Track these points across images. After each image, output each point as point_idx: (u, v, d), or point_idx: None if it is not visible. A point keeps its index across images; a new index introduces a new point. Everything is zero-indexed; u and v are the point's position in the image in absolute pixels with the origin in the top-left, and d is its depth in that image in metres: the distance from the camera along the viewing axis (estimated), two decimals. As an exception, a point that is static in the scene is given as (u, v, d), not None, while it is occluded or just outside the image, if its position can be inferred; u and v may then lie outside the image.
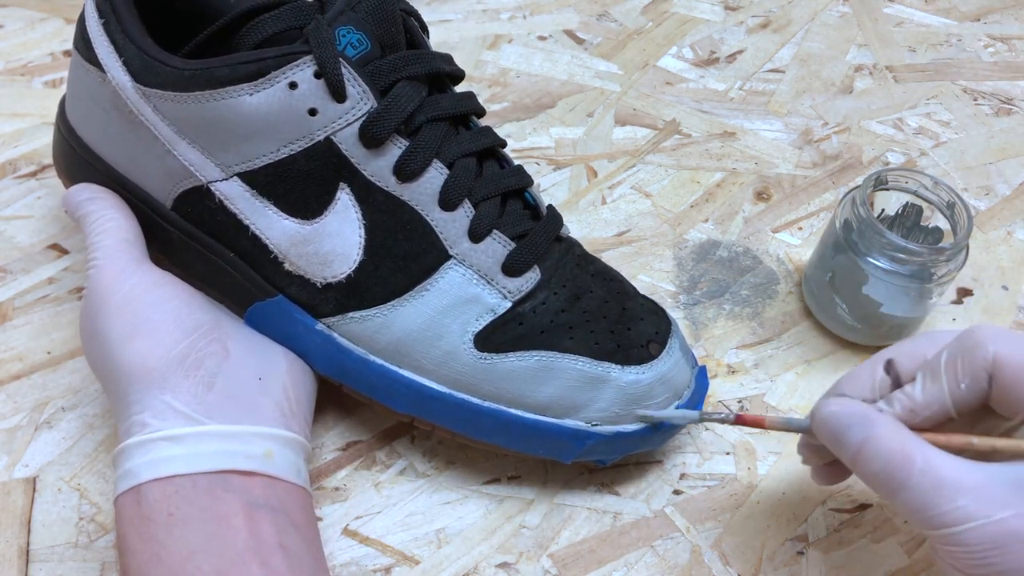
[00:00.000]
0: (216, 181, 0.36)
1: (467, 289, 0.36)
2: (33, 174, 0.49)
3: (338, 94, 0.33)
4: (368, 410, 0.41)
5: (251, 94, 0.33)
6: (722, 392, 0.43)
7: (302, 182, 0.35)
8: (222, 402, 0.34)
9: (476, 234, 0.36)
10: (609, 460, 0.38)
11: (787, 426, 0.34)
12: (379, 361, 0.37)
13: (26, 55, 0.56)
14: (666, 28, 0.62)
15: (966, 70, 0.60)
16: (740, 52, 0.61)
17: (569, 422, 0.36)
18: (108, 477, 0.39)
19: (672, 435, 0.39)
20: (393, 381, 0.37)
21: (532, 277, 0.37)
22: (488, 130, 0.38)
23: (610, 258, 0.48)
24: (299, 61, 0.33)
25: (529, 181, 0.39)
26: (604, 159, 0.53)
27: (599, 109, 0.56)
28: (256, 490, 0.33)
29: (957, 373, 0.30)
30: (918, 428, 0.30)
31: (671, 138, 0.55)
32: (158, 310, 0.35)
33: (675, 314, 0.46)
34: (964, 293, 0.48)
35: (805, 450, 0.35)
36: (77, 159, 0.40)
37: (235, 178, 0.36)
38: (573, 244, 0.40)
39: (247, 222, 0.36)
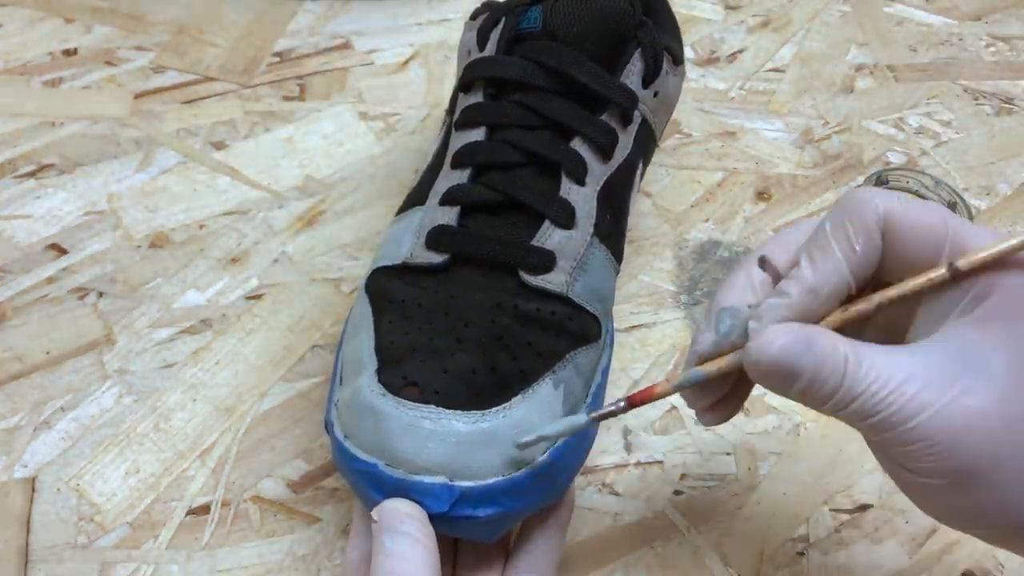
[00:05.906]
0: None
1: (406, 233, 0.38)
2: (32, 174, 0.49)
3: (482, 44, 0.41)
4: (368, 410, 0.41)
5: (470, 29, 0.43)
6: (722, 392, 0.43)
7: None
8: None
9: (445, 200, 0.38)
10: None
11: (679, 386, 0.30)
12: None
13: (25, 55, 0.56)
14: (666, 28, 0.62)
15: (967, 70, 0.60)
16: (740, 51, 0.61)
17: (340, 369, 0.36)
18: (107, 477, 0.39)
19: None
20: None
21: (435, 259, 0.36)
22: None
23: (610, 258, 0.48)
24: (488, 15, 0.42)
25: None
26: (604, 159, 0.53)
27: (599, 109, 0.56)
28: None
29: (849, 236, 0.26)
30: (822, 313, 0.27)
31: (671, 138, 0.55)
32: None
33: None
34: (965, 293, 0.48)
35: (692, 394, 0.31)
36: None
37: None
38: (506, 293, 0.36)
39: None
